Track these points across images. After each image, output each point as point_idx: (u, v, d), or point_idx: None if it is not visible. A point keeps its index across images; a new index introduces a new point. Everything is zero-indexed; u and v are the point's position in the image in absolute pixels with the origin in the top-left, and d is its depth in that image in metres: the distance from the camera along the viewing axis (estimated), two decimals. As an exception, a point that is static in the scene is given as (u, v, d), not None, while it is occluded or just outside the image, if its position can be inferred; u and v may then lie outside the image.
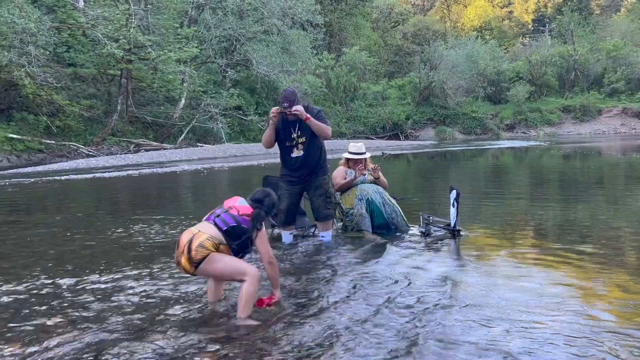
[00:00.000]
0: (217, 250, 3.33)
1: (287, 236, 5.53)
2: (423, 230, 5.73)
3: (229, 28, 31.45)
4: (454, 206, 5.51)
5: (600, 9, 67.26)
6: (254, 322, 3.23)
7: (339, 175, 5.99)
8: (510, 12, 73.63)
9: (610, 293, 3.72)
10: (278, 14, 32.72)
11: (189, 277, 4.08)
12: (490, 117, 43.82)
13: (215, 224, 3.40)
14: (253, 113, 32.40)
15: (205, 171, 16.61)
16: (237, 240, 3.39)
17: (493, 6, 73.64)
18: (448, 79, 42.59)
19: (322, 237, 5.50)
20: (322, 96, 39.82)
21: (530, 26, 69.17)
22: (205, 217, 3.54)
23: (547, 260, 4.62)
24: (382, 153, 23.68)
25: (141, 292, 3.96)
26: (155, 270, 4.56)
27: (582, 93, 45.45)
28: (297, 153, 5.26)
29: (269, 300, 3.45)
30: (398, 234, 5.78)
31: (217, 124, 29.75)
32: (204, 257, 3.25)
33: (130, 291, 3.98)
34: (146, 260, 4.93)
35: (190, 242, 3.28)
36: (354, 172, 5.94)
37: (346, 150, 6.18)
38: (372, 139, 38.16)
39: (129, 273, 4.49)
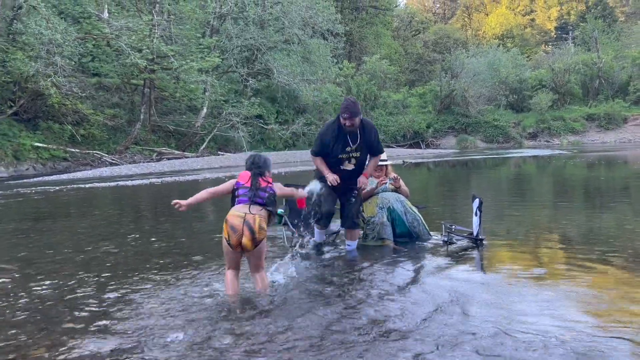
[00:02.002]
0: (268, 225, 4.01)
1: (321, 235, 5.56)
2: (445, 239, 5.67)
3: (250, 38, 31.78)
4: (476, 215, 5.45)
5: (625, 16, 66.27)
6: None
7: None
8: (532, 19, 72.96)
9: (637, 307, 3.63)
10: (299, 23, 32.97)
11: (207, 280, 4.10)
12: (512, 126, 43.40)
13: (257, 203, 3.95)
14: (274, 122, 32.62)
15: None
16: (272, 205, 4.05)
17: (515, 14, 73.09)
18: (469, 87, 42.36)
19: (348, 245, 5.43)
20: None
21: (552, 34, 68.47)
22: (237, 200, 3.99)
23: (571, 271, 4.54)
24: (403, 162, 23.59)
25: (165, 297, 3.98)
26: (179, 276, 4.59)
27: (607, 101, 44.75)
28: (348, 166, 5.12)
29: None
30: (420, 243, 5.73)
31: (238, 132, 29.99)
32: (264, 238, 3.90)
33: (154, 296, 4.01)
34: (169, 267, 4.97)
35: (248, 224, 3.82)
36: (375, 180, 5.91)
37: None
38: (392, 147, 38.08)
39: (153, 278, 4.53)
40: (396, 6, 60.13)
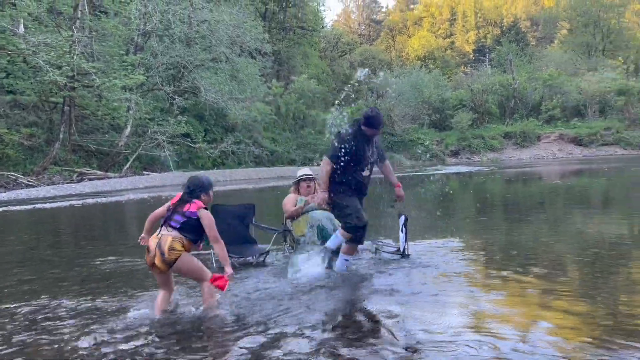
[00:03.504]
0: (184, 247, 3.89)
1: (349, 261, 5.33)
2: (374, 255, 5.77)
3: (177, 55, 31.26)
4: (402, 231, 5.60)
5: (536, 40, 70.93)
6: (222, 311, 4.00)
7: (290, 202, 5.96)
8: (452, 42, 76.53)
9: (553, 315, 3.84)
10: (226, 42, 32.80)
11: (127, 305, 3.96)
12: (435, 144, 45.07)
13: (171, 226, 3.95)
14: (202, 140, 32.10)
15: (151, 200, 16.25)
16: (191, 231, 3.95)
17: (436, 37, 76.40)
18: (395, 107, 43.68)
19: (346, 260, 5.24)
20: (271, 123, 39.94)
21: (471, 56, 72.00)
22: (161, 223, 4.03)
23: (491, 283, 4.74)
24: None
25: (83, 324, 3.80)
26: (99, 301, 4.39)
27: (522, 120, 47.48)
28: (367, 172, 5.19)
29: (223, 278, 3.85)
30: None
31: (164, 151, 29.24)
32: (177, 258, 3.84)
33: (73, 323, 3.81)
34: (88, 293, 4.74)
35: (159, 245, 3.85)
36: (304, 199, 5.94)
37: (295, 177, 6.17)
38: (321, 165, 38.36)
39: (70, 306, 4.31)
40: (323, 27, 61.25)
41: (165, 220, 4.00)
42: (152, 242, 3.91)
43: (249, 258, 5.62)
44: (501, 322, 3.64)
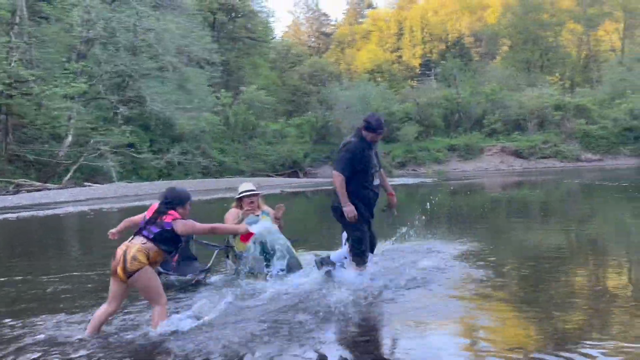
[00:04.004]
0: (149, 259, 3.81)
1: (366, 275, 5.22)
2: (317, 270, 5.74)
3: (121, 64, 30.56)
4: (345, 244, 5.62)
5: (479, 56, 73.35)
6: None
7: (231, 217, 5.86)
8: (400, 56, 78.05)
9: (494, 324, 3.93)
10: (173, 51, 32.36)
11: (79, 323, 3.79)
12: (383, 156, 45.70)
13: (143, 235, 3.90)
14: (147, 151, 31.40)
15: (92, 213, 15.71)
16: (165, 242, 3.90)
17: (384, 50, 77.74)
18: (343, 119, 44.07)
19: (360, 275, 5.19)
20: (220, 133, 39.56)
21: (417, 70, 73.65)
22: (134, 232, 4.00)
23: (438, 294, 4.82)
24: (281, 191, 23.79)
25: (14, 348, 3.60)
26: (33, 324, 4.18)
27: (466, 133, 48.86)
28: (377, 181, 5.20)
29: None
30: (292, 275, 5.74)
31: (108, 162, 28.41)
32: (138, 269, 3.75)
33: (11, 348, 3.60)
34: (22, 315, 4.51)
35: (125, 253, 3.78)
36: (246, 215, 5.86)
37: (238, 192, 6.07)
38: (271, 176, 38.29)
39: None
40: (272, 38, 61.36)
41: (140, 230, 3.97)
42: (120, 249, 3.86)
43: (189, 276, 5.49)
44: (424, 330, 3.69)
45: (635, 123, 44.39)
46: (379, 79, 62.82)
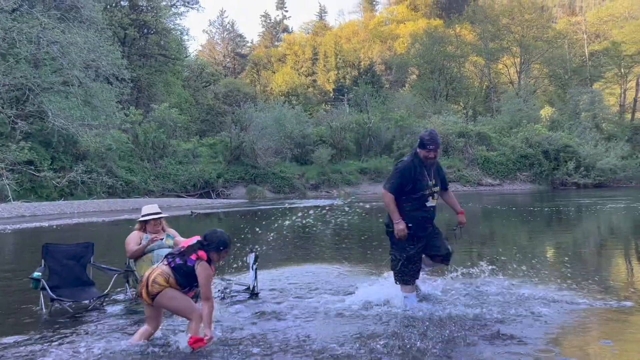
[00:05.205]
0: (168, 283, 4.00)
1: (413, 298, 5.06)
2: (222, 296, 5.67)
3: (21, 77, 28.75)
4: (252, 269, 5.59)
5: (389, 83, 76.31)
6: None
7: (133, 241, 5.66)
8: (314, 80, 79.51)
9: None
10: (80, 65, 30.94)
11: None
12: (297, 177, 46.03)
13: (167, 262, 4.11)
14: (47, 169, 29.59)
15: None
16: (182, 276, 4.02)
17: (299, 74, 78.93)
18: (258, 140, 44.01)
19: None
20: (128, 152, 38.16)
21: (331, 95, 75.29)
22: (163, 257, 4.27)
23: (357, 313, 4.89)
24: (192, 212, 23.22)
25: None
26: None
27: (376, 157, 50.39)
28: (432, 202, 4.97)
29: (202, 341, 3.85)
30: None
31: (3, 179, 26.47)
32: (159, 292, 3.96)
33: None
34: None
35: (148, 277, 4.04)
36: (149, 236, 5.69)
37: (141, 215, 5.88)
38: (182, 197, 37.32)
39: None
40: (186, 57, 60.35)
41: (167, 256, 4.22)
42: (147, 272, 4.14)
43: (85, 301, 5.21)
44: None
45: (530, 150, 47.95)
46: (294, 102, 63.52)
